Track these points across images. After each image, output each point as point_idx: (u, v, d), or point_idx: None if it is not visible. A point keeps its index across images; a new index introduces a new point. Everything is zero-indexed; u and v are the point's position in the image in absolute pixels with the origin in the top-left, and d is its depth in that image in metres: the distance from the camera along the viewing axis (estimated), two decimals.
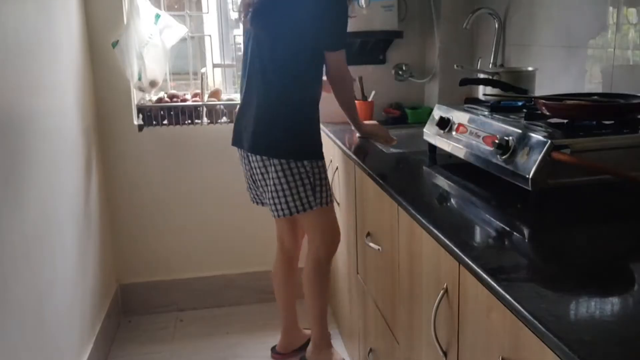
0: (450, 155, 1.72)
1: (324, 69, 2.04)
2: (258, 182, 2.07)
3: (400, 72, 2.67)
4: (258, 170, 2.03)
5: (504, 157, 1.33)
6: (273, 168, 1.98)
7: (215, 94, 2.61)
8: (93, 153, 2.46)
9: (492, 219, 1.30)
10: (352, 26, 2.23)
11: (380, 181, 1.62)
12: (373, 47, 2.62)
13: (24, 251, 1.64)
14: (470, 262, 1.01)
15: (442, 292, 1.18)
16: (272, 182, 2.00)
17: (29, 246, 1.68)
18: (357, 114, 2.15)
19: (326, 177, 2.06)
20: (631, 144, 1.29)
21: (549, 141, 1.22)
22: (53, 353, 1.84)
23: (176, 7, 2.78)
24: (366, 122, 2.23)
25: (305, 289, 2.21)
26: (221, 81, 2.83)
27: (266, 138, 1.98)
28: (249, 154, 2.04)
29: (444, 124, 1.66)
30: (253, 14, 1.97)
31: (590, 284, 0.93)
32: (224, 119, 2.62)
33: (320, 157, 2.04)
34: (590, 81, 1.75)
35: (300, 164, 1.98)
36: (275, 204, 2.02)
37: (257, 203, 2.19)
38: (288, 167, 1.97)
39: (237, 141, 2.10)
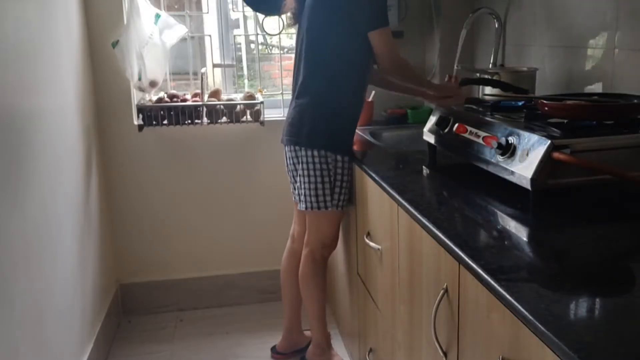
0: (450, 155, 1.72)
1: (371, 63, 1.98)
2: (292, 177, 2.10)
3: None
4: (290, 162, 2.06)
5: (504, 157, 1.33)
6: (299, 159, 2.01)
7: (215, 94, 2.61)
8: (93, 153, 2.46)
9: (492, 219, 1.30)
10: None
11: (380, 181, 1.62)
12: None
13: (24, 251, 1.64)
14: (470, 262, 1.02)
15: (442, 292, 1.18)
16: (299, 174, 2.03)
17: (29, 246, 1.68)
18: (423, 87, 2.09)
19: (349, 179, 2.03)
20: (631, 144, 1.29)
21: (549, 141, 1.22)
22: (53, 353, 1.84)
23: (176, 7, 2.78)
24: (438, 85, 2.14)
25: (302, 289, 2.21)
26: (221, 81, 2.83)
27: (292, 129, 2.02)
28: (284, 146, 2.07)
29: (444, 124, 1.66)
30: (293, 14, 2.04)
31: (590, 284, 0.93)
32: (224, 119, 2.62)
33: (344, 153, 2.00)
34: (590, 81, 1.75)
35: (324, 159, 1.98)
36: (299, 194, 2.06)
37: (295, 201, 2.17)
38: (312, 160, 1.98)
39: (282, 137, 2.12)
